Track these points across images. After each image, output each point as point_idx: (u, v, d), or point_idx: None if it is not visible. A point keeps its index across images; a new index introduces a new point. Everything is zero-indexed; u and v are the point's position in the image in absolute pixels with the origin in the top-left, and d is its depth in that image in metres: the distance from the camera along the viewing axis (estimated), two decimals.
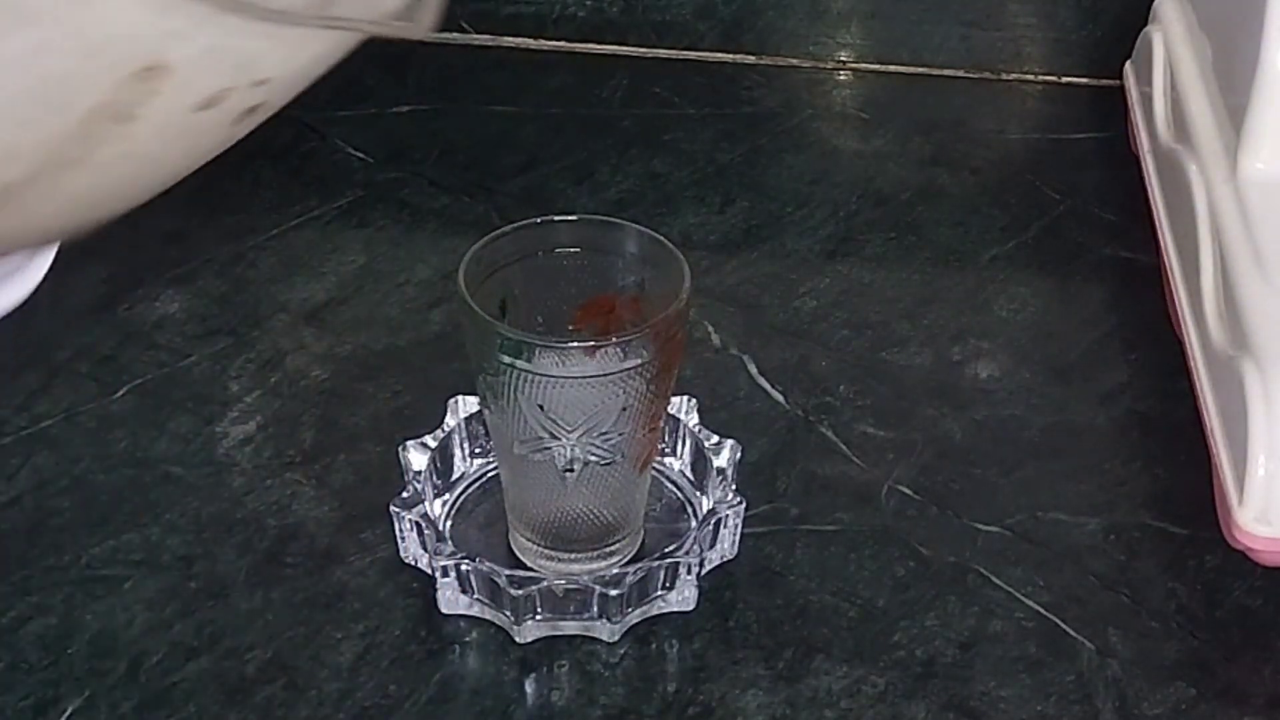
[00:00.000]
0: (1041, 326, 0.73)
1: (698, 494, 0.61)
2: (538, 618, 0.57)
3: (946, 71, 0.91)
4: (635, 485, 0.58)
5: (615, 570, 0.57)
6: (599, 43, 0.92)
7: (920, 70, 0.91)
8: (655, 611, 0.58)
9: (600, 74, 0.90)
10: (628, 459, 0.56)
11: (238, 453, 0.64)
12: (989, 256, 0.77)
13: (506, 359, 0.54)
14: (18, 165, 0.45)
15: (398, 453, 0.60)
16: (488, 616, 0.57)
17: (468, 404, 0.61)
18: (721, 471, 0.60)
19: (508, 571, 0.56)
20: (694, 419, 0.62)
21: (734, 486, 0.59)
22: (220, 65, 0.53)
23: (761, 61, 0.92)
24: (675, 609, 0.58)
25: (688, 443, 0.62)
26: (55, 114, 0.44)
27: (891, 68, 0.92)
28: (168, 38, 0.47)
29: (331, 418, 0.66)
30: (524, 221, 0.58)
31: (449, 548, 0.57)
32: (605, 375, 0.54)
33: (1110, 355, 0.71)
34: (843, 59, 0.92)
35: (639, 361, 0.54)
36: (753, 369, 0.69)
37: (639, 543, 0.60)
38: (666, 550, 0.57)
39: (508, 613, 0.56)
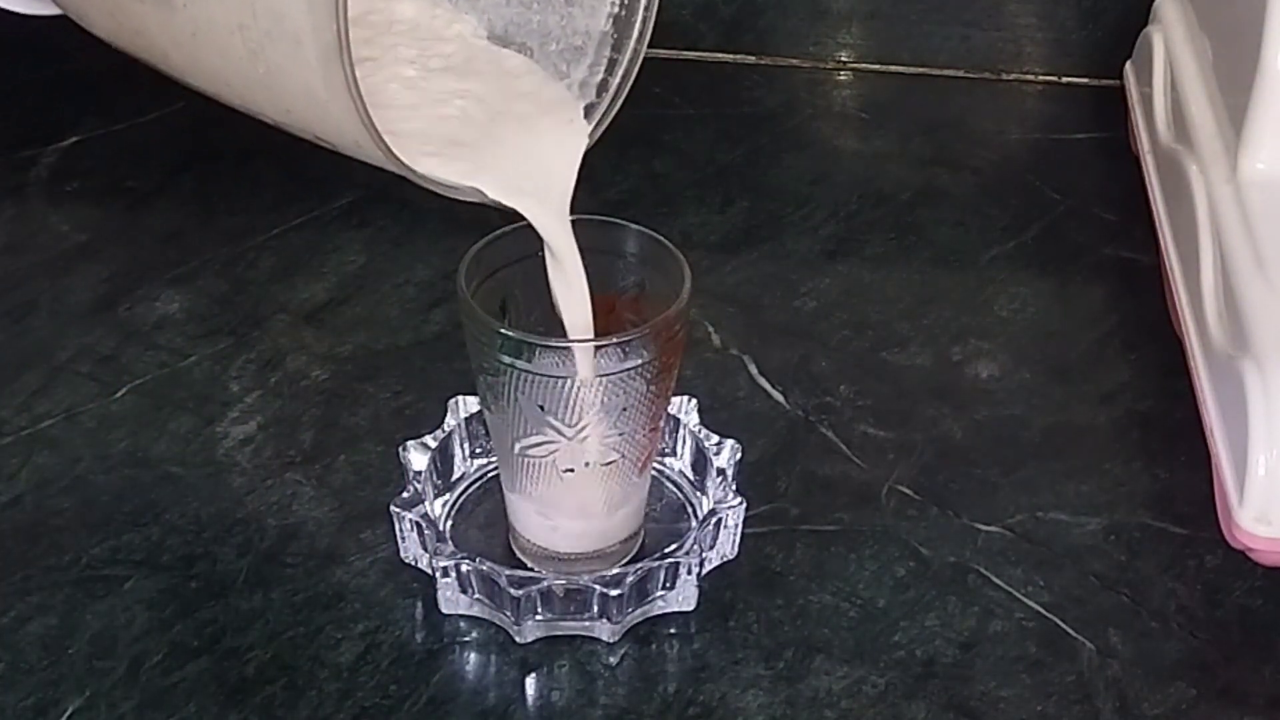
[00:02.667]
0: (1041, 326, 0.73)
1: (698, 494, 0.61)
2: (538, 618, 0.57)
3: (946, 71, 0.91)
4: (635, 485, 0.58)
5: (615, 570, 0.57)
6: None
7: (920, 70, 0.91)
8: (655, 611, 0.58)
9: None
10: (628, 459, 0.56)
11: (238, 453, 0.64)
12: (989, 256, 0.77)
13: (506, 359, 0.54)
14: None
15: (398, 453, 0.60)
16: (488, 616, 0.57)
17: (468, 404, 0.61)
18: (721, 471, 0.60)
19: (508, 571, 0.56)
20: (694, 419, 0.62)
21: (734, 486, 0.59)
22: (345, 140, 0.59)
23: (761, 61, 0.92)
24: (675, 609, 0.58)
25: (688, 443, 0.62)
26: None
27: (891, 68, 0.92)
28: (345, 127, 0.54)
29: (331, 418, 0.66)
30: (524, 222, 0.58)
31: (449, 548, 0.57)
32: (605, 375, 0.54)
33: (1110, 355, 0.71)
34: (843, 59, 0.92)
35: (639, 361, 0.54)
36: (753, 369, 0.69)
37: (639, 543, 0.60)
38: (666, 550, 0.57)
39: (508, 613, 0.56)
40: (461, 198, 0.60)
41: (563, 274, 0.57)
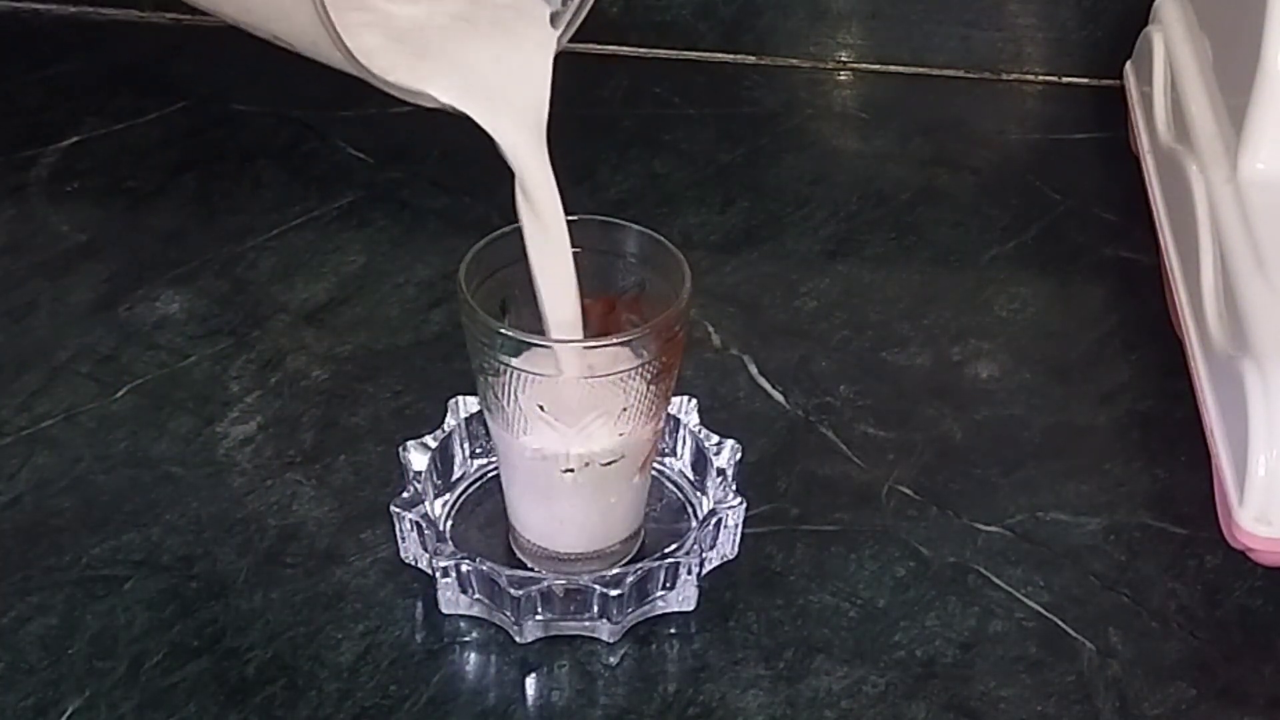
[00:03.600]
0: (1041, 326, 0.73)
1: (698, 494, 0.61)
2: (538, 618, 0.57)
3: (946, 71, 0.91)
4: (635, 485, 0.58)
5: (615, 570, 0.57)
6: (599, 43, 0.92)
7: (920, 70, 0.91)
8: (655, 611, 0.58)
9: (600, 74, 0.90)
10: (628, 459, 0.56)
11: (238, 453, 0.64)
12: (989, 256, 0.77)
13: (506, 359, 0.54)
14: None
15: (398, 453, 0.60)
16: (488, 616, 0.57)
17: (468, 404, 0.61)
18: (721, 471, 0.60)
19: (508, 571, 0.56)
20: (694, 419, 0.62)
21: (734, 486, 0.59)
22: (303, 41, 0.56)
23: (761, 61, 0.92)
24: (675, 609, 0.58)
25: (688, 443, 0.62)
26: None
27: (891, 68, 0.92)
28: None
29: (331, 418, 0.66)
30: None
31: (449, 548, 0.57)
32: (605, 375, 0.54)
33: (1110, 355, 0.71)
34: (843, 59, 0.92)
35: (639, 361, 0.54)
36: (753, 369, 0.69)
37: (639, 543, 0.60)
38: (666, 550, 0.57)
39: (508, 613, 0.56)
40: (424, 104, 0.59)
41: (538, 219, 0.55)
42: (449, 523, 0.60)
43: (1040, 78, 0.91)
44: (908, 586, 0.60)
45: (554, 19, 0.65)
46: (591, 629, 0.57)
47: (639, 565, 0.56)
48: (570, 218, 0.58)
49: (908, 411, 0.67)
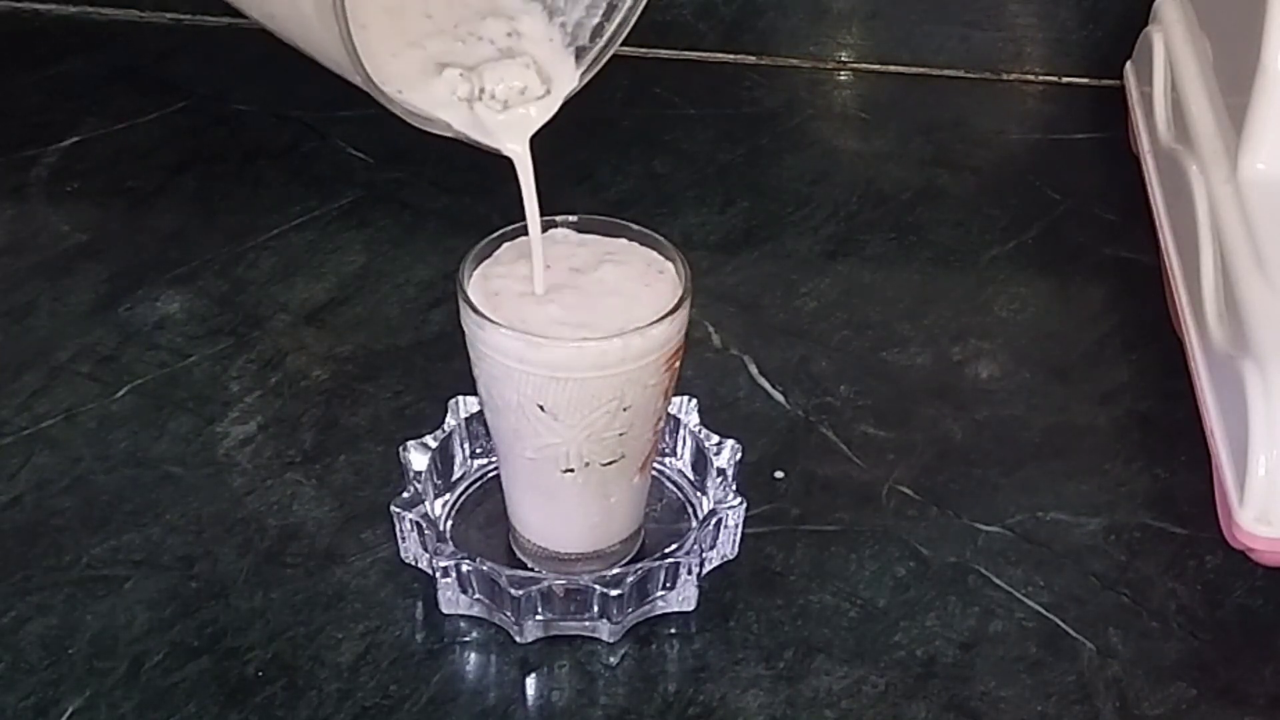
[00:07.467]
0: (1041, 326, 0.73)
1: (698, 494, 0.61)
2: (538, 618, 0.57)
3: (946, 71, 0.91)
4: (635, 485, 0.58)
5: (615, 570, 0.57)
6: None
7: (920, 70, 0.92)
8: (655, 611, 0.58)
9: (600, 74, 0.90)
10: (628, 459, 0.56)
11: (238, 453, 0.64)
12: (989, 256, 0.77)
13: (506, 358, 0.54)
14: None
15: (398, 453, 0.60)
16: (488, 616, 0.57)
17: (468, 404, 0.61)
18: (721, 471, 0.60)
19: (508, 571, 0.56)
20: (694, 419, 0.62)
21: (734, 486, 0.59)
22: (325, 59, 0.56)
23: (761, 61, 0.92)
24: (675, 609, 0.58)
25: (688, 443, 0.62)
26: None
27: (891, 68, 0.92)
28: None
29: (331, 418, 0.66)
30: (524, 223, 0.58)
31: (449, 548, 0.57)
32: (605, 375, 0.54)
33: (1110, 355, 0.71)
34: (843, 59, 0.92)
35: (640, 361, 0.54)
36: (753, 369, 0.69)
37: (639, 543, 0.60)
38: (666, 550, 0.57)
39: (508, 613, 0.56)
40: (435, 130, 0.59)
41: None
42: (449, 523, 0.60)
43: (1040, 78, 0.91)
44: (908, 586, 0.60)
45: (581, 53, 0.65)
46: (592, 629, 0.57)
47: (639, 565, 0.56)
48: (570, 217, 0.58)
49: (908, 411, 0.67)
